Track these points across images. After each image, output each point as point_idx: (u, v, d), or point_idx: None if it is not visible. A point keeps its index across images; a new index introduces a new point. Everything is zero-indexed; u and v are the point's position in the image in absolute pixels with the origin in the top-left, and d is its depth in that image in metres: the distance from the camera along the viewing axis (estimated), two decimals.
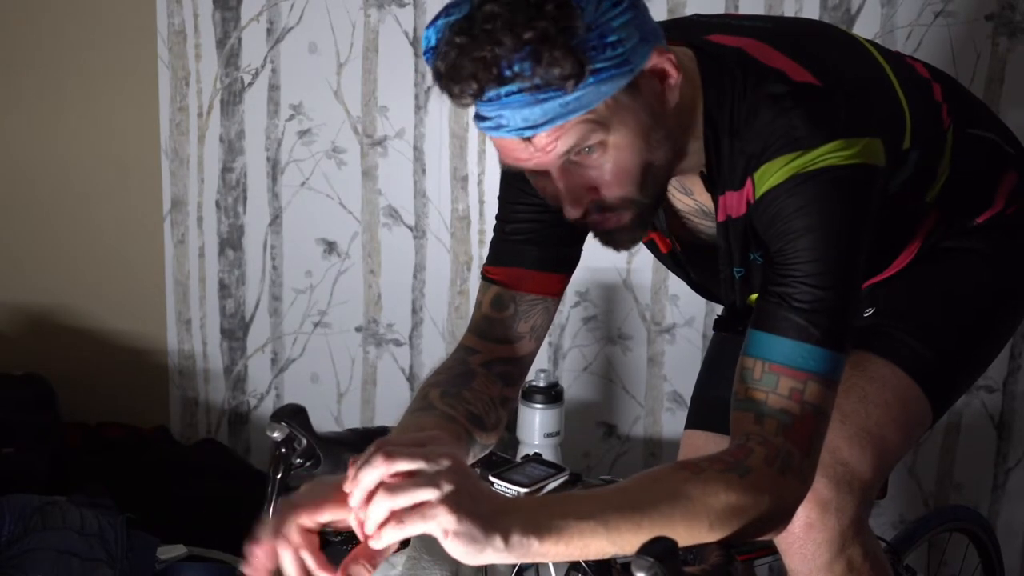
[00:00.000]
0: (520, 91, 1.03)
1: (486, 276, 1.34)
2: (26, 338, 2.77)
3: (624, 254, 2.42)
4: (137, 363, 2.76)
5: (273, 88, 2.55)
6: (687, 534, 1.01)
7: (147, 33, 2.57)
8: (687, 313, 2.49)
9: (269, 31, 2.53)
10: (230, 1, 2.52)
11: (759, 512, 1.05)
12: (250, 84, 2.56)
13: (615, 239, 1.20)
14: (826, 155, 1.12)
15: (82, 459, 2.52)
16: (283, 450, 1.19)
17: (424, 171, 2.53)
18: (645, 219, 1.18)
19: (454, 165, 2.51)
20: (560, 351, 2.57)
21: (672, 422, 2.54)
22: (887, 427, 1.34)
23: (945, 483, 2.48)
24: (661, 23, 1.17)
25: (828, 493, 1.29)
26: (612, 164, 1.10)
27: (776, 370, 1.10)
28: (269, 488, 1.19)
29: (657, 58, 1.11)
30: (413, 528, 0.92)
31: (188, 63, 2.58)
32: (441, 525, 0.92)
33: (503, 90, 1.03)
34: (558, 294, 1.35)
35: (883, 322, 1.40)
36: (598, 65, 1.04)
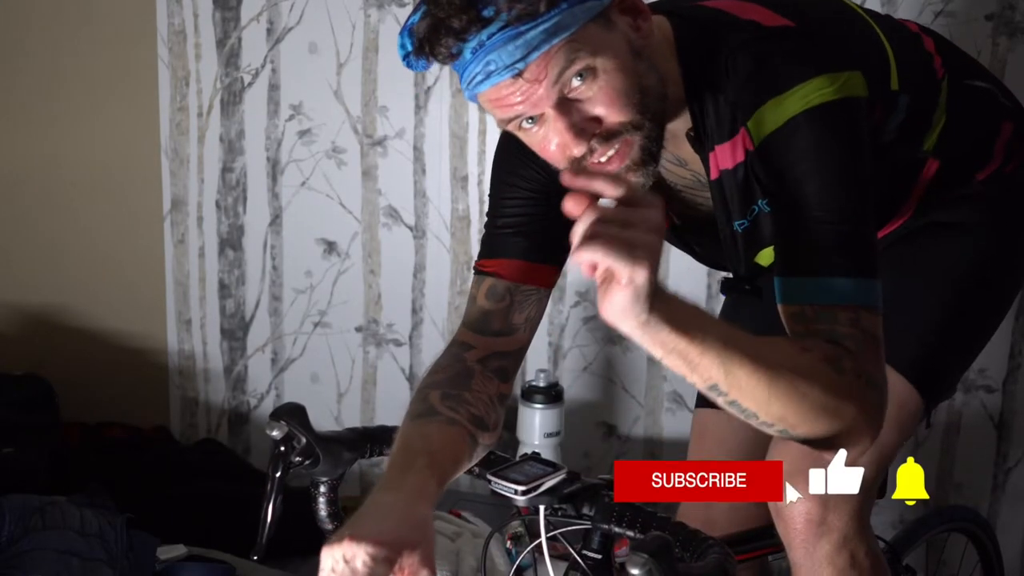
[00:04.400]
0: (500, 29, 1.08)
1: (479, 270, 1.35)
2: (26, 338, 2.77)
3: None
4: (137, 363, 2.76)
5: (273, 88, 2.56)
6: (794, 407, 1.04)
7: (147, 33, 2.57)
8: None
9: (269, 31, 2.53)
10: (230, 1, 2.53)
11: (844, 420, 1.07)
12: (250, 84, 2.56)
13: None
14: (813, 93, 1.14)
15: (82, 459, 2.52)
16: (282, 449, 1.19)
17: (424, 171, 2.53)
18: (653, 148, 1.18)
19: (454, 165, 2.51)
20: (560, 351, 2.56)
21: (672, 422, 2.54)
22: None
23: (945, 483, 2.48)
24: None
25: None
26: (606, 86, 1.12)
27: (829, 308, 1.11)
28: (268, 487, 1.19)
29: None
30: (614, 258, 0.90)
31: (188, 63, 2.58)
32: (637, 272, 0.91)
33: (484, 34, 1.08)
34: (550, 285, 1.36)
35: None
36: None
